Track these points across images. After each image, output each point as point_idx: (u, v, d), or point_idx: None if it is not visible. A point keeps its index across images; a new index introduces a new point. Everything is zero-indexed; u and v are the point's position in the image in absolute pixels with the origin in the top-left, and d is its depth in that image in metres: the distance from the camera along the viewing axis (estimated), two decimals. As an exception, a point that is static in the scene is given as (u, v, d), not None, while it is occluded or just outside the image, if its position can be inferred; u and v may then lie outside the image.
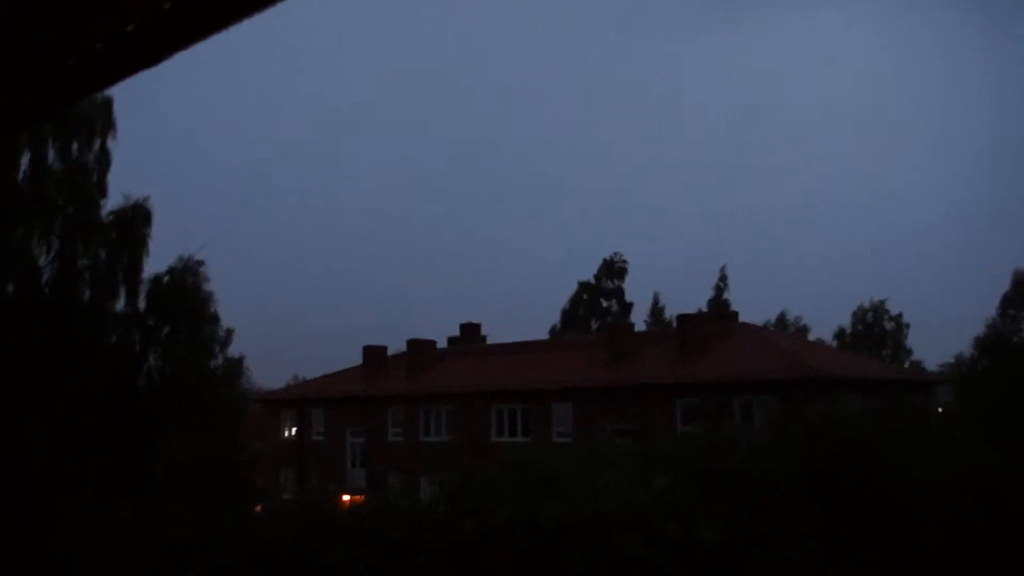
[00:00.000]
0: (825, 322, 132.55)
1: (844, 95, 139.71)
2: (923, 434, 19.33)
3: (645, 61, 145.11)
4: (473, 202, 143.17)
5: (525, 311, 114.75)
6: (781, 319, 78.32)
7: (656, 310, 75.10)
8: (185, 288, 35.11)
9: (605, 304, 71.43)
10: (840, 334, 77.42)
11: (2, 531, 25.63)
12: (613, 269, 71.74)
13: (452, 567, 17.54)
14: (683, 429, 37.28)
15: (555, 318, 72.40)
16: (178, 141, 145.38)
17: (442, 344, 58.78)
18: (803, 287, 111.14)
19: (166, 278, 34.94)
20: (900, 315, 77.77)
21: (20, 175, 33.02)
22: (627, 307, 71.31)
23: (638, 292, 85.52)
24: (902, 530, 15.90)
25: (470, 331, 60.01)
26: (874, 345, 75.60)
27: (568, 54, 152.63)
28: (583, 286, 71.75)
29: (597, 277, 71.87)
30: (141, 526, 21.90)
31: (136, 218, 34.14)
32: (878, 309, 78.28)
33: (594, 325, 69.12)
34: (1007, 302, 42.52)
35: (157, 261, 39.28)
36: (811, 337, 72.88)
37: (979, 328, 43.69)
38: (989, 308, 43.63)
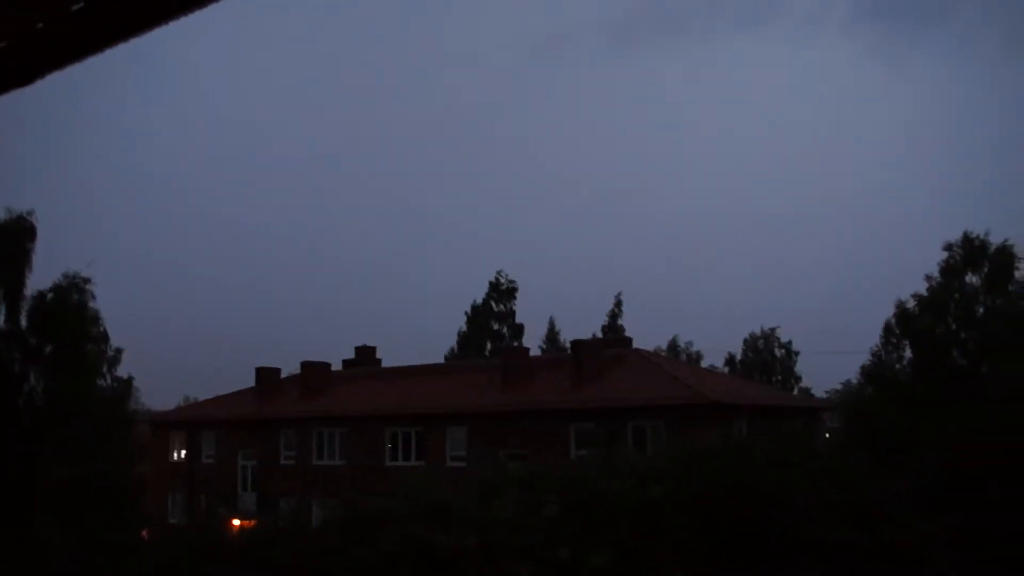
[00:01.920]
0: (717, 349, 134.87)
1: (745, 115, 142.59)
2: (809, 463, 19.72)
3: (539, 82, 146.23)
4: (368, 225, 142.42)
5: (421, 335, 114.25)
6: (673, 345, 79.22)
7: (551, 335, 75.34)
8: (70, 305, 34.17)
9: (497, 327, 71.31)
10: (731, 360, 78.66)
11: None
12: (501, 290, 71.62)
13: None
14: (577, 454, 37.44)
15: (451, 342, 72.20)
16: (65, 152, 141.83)
17: (337, 367, 58.20)
18: (695, 314, 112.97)
19: (50, 295, 33.98)
20: (790, 343, 79.45)
21: None
22: (519, 329, 71.30)
23: (533, 317, 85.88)
24: (784, 556, 16.16)
25: (365, 354, 59.54)
26: (764, 372, 77.02)
27: (464, 74, 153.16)
28: (474, 309, 71.56)
29: (486, 299, 71.69)
30: (23, 552, 21.25)
31: (19, 232, 33.17)
32: (768, 337, 79.80)
33: (488, 350, 69.02)
34: (889, 331, 43.62)
35: (40, 278, 38.24)
36: (703, 363, 73.87)
37: (865, 356, 44.71)
38: (874, 337, 44.86)
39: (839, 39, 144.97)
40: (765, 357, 79.45)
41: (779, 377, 77.79)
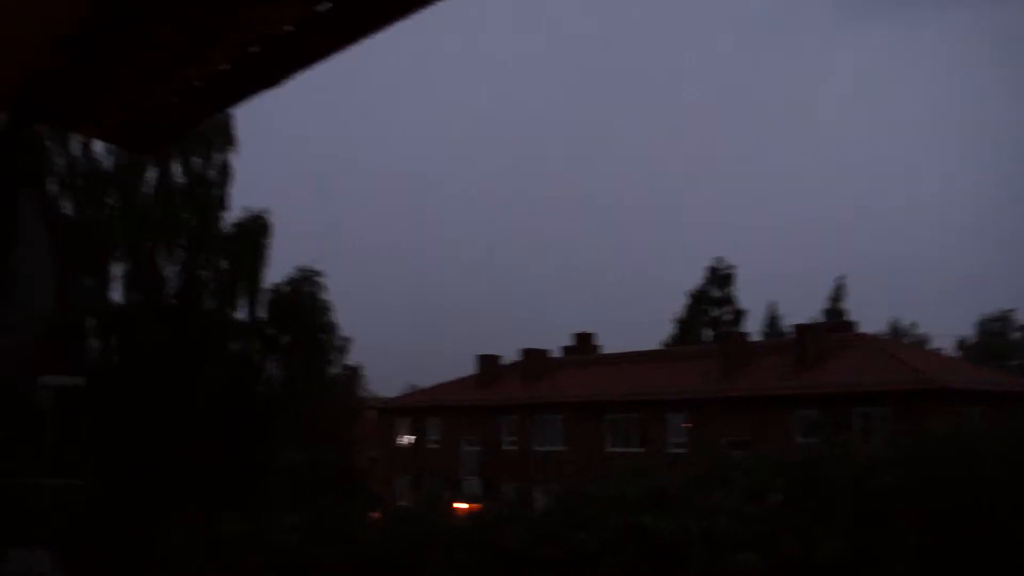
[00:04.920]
0: (944, 331, 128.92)
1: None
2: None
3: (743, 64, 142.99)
4: (584, 212, 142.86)
5: (639, 322, 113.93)
6: (895, 327, 76.24)
7: (772, 320, 73.94)
8: (303, 297, 35.83)
9: (716, 313, 70.43)
10: (962, 344, 75.21)
11: (124, 534, 26.41)
12: (719, 275, 70.67)
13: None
14: (801, 441, 36.69)
15: (669, 329, 71.80)
16: (294, 149, 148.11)
17: (556, 353, 58.82)
18: (919, 295, 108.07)
19: (285, 288, 35.70)
20: (1028, 325, 75.31)
21: (147, 190, 34.14)
22: (739, 315, 70.24)
23: (751, 302, 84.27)
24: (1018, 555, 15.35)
25: (584, 340, 59.95)
26: (1000, 357, 73.14)
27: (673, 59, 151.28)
28: (693, 295, 70.89)
29: (704, 285, 70.89)
30: (254, 532, 22.35)
31: (256, 229, 34.96)
32: (1005, 319, 75.79)
33: (706, 335, 68.29)
34: None
35: (276, 270, 40.23)
36: (930, 347, 70.90)
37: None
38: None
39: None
40: (1001, 341, 75.49)
41: (1017, 363, 73.79)
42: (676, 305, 71.64)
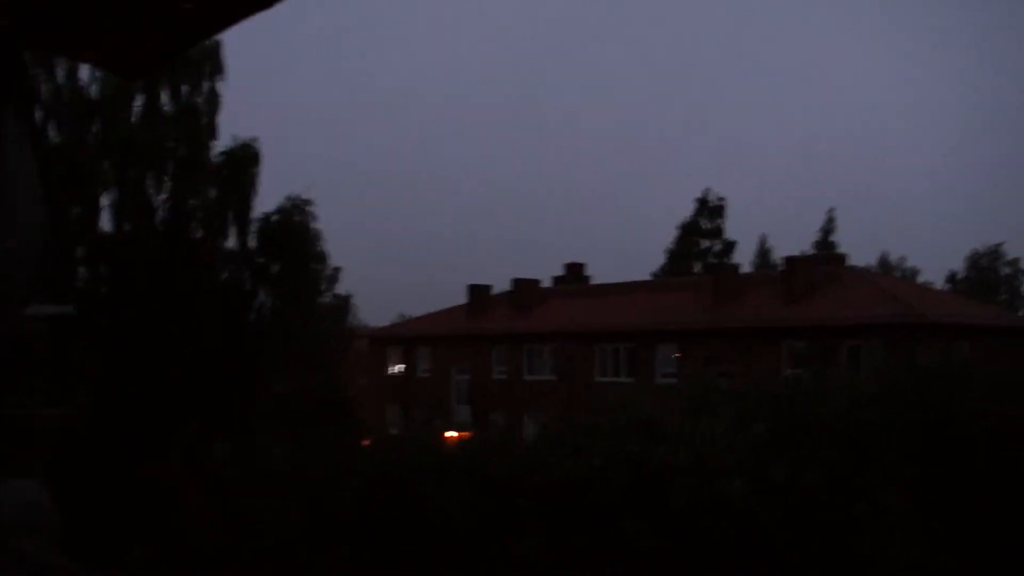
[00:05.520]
0: (934, 265, 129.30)
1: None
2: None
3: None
4: (575, 142, 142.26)
5: (629, 252, 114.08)
6: (884, 260, 76.28)
7: (762, 252, 74.01)
8: (294, 227, 35.69)
9: (706, 245, 70.43)
10: (952, 278, 75.37)
11: (115, 462, 26.58)
12: (710, 207, 70.50)
13: (553, 508, 17.70)
14: (789, 373, 36.92)
15: (659, 260, 71.85)
16: (282, 77, 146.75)
17: (546, 284, 58.89)
18: (909, 227, 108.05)
19: (275, 217, 35.55)
20: (1016, 260, 75.34)
21: (134, 118, 33.82)
22: (729, 246, 70.23)
23: (741, 235, 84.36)
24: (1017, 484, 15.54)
25: (574, 271, 60.00)
26: (988, 291, 73.29)
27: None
28: (683, 226, 70.80)
29: (695, 217, 70.75)
30: (244, 459, 22.50)
31: (245, 158, 34.71)
32: (994, 253, 75.86)
33: (696, 268, 68.37)
34: None
35: (265, 200, 40.04)
36: (919, 281, 71.09)
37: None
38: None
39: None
40: (989, 275, 75.65)
41: (1005, 297, 74.01)
42: (667, 237, 71.76)
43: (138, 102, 33.81)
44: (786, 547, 15.83)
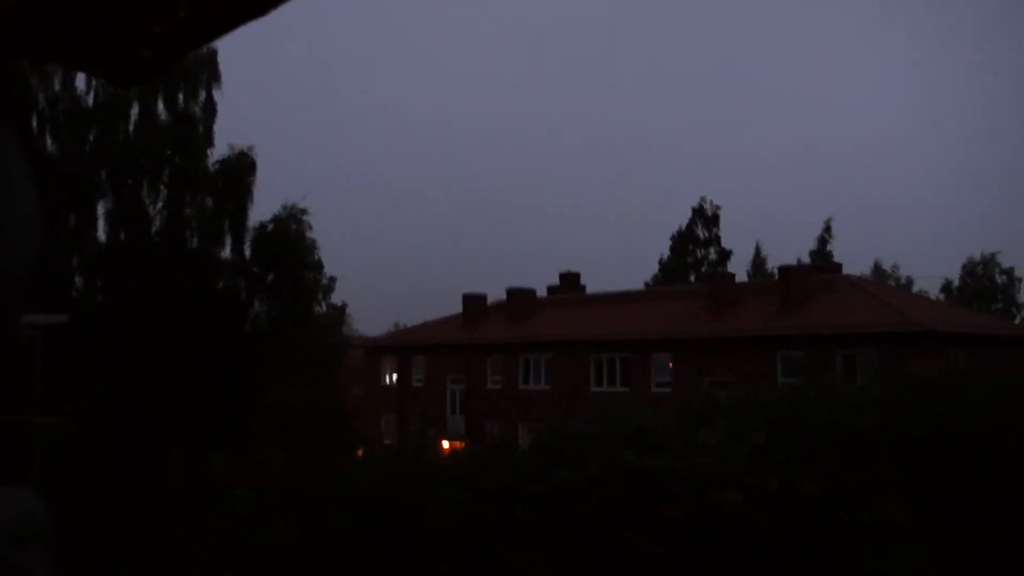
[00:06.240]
0: (929, 274, 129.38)
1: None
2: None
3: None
4: (572, 152, 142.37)
5: (624, 262, 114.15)
6: (878, 269, 76.29)
7: (758, 261, 73.99)
8: (289, 236, 35.63)
9: (701, 254, 70.45)
10: (947, 287, 75.38)
11: (110, 477, 26.47)
12: (705, 216, 70.54)
13: (548, 518, 17.64)
14: (784, 382, 36.91)
15: (654, 269, 71.87)
16: (280, 87, 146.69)
17: (541, 293, 58.89)
18: (904, 236, 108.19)
19: (271, 226, 35.49)
20: (1012, 269, 75.39)
21: (131, 127, 33.81)
22: (724, 255, 70.25)
23: (736, 243, 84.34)
24: (1002, 489, 15.52)
25: (569, 280, 60.03)
26: (984, 300, 73.29)
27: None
28: (678, 235, 70.82)
29: (690, 225, 70.78)
30: (242, 473, 22.39)
31: (241, 167, 34.67)
32: (989, 262, 75.87)
33: (692, 277, 68.37)
34: None
35: (261, 209, 40.00)
36: (914, 289, 71.09)
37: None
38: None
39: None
40: (984, 284, 75.68)
41: (1000, 306, 74.01)
42: (662, 246, 71.73)
43: (134, 111, 33.81)
44: (785, 556, 15.80)
